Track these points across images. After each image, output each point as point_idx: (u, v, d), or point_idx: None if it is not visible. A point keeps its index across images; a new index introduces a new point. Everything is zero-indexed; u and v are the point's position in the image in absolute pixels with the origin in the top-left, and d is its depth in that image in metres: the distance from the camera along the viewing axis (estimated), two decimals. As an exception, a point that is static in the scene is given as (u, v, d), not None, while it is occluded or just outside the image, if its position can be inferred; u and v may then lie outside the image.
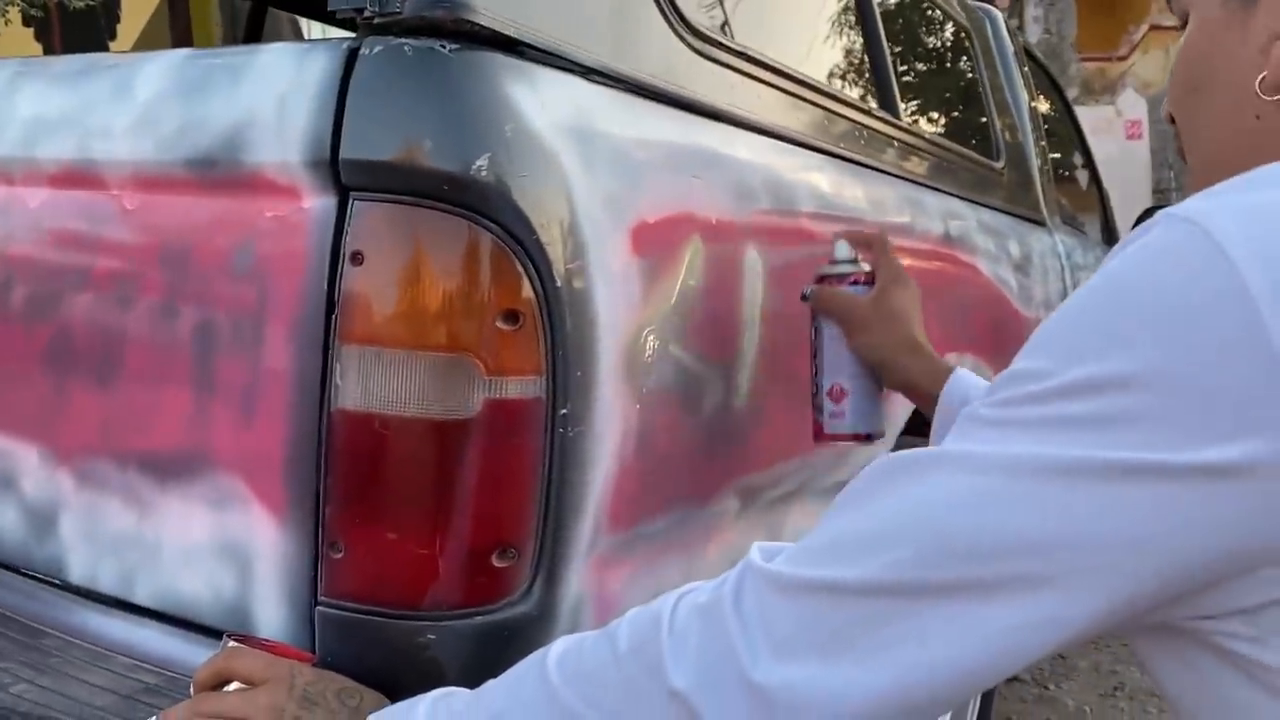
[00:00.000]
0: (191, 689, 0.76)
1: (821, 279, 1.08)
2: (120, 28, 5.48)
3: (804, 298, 1.08)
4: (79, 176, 0.93)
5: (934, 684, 0.53)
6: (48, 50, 5.02)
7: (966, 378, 1.06)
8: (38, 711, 0.78)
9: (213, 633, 0.87)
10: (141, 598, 0.91)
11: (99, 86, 0.93)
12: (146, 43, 5.53)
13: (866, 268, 1.08)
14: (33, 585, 1.00)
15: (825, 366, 1.07)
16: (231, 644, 0.77)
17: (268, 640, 0.80)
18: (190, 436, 0.87)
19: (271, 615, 0.84)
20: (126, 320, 0.90)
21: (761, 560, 0.59)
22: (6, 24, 3.93)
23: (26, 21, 4.42)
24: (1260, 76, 0.63)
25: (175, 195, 0.87)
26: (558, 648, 0.66)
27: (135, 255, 0.90)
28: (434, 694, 0.69)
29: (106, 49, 5.38)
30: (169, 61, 0.90)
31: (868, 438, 1.08)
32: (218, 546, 0.86)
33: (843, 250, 1.08)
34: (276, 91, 0.81)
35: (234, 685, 0.75)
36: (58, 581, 0.97)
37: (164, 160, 0.87)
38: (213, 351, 0.85)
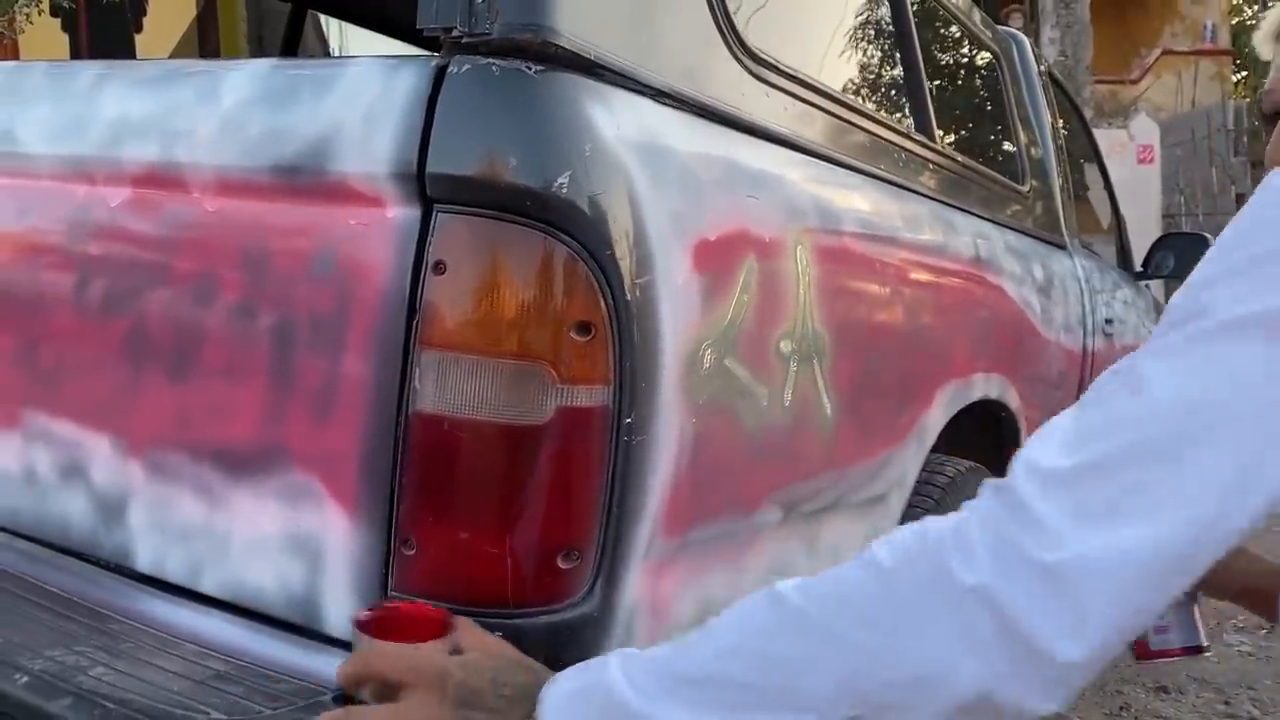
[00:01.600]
0: (337, 679, 0.72)
1: None
2: (146, 20, 5.52)
3: None
4: (161, 178, 0.96)
5: (1197, 535, 0.59)
6: (74, 41, 5.06)
7: None
8: (117, 695, 0.81)
9: (279, 624, 0.90)
10: (209, 587, 0.94)
11: (184, 92, 0.96)
12: (179, 40, 5.57)
13: None
14: (96, 571, 1.03)
15: None
16: (366, 640, 0.72)
17: (396, 604, 0.78)
18: (267, 433, 0.90)
19: (341, 608, 0.87)
20: (206, 319, 0.93)
21: (1018, 475, 0.64)
22: (40, 14, 3.97)
23: (54, 12, 4.46)
24: None
25: (258, 200, 0.91)
26: (779, 586, 0.68)
27: (216, 256, 0.93)
28: (614, 653, 0.70)
29: (132, 42, 5.42)
30: (254, 70, 0.93)
31: (1197, 650, 1.18)
32: (289, 540, 0.89)
33: None
34: (364, 104, 0.84)
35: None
36: (126, 569, 1.00)
37: (247, 165, 0.90)
38: (292, 352, 0.88)
